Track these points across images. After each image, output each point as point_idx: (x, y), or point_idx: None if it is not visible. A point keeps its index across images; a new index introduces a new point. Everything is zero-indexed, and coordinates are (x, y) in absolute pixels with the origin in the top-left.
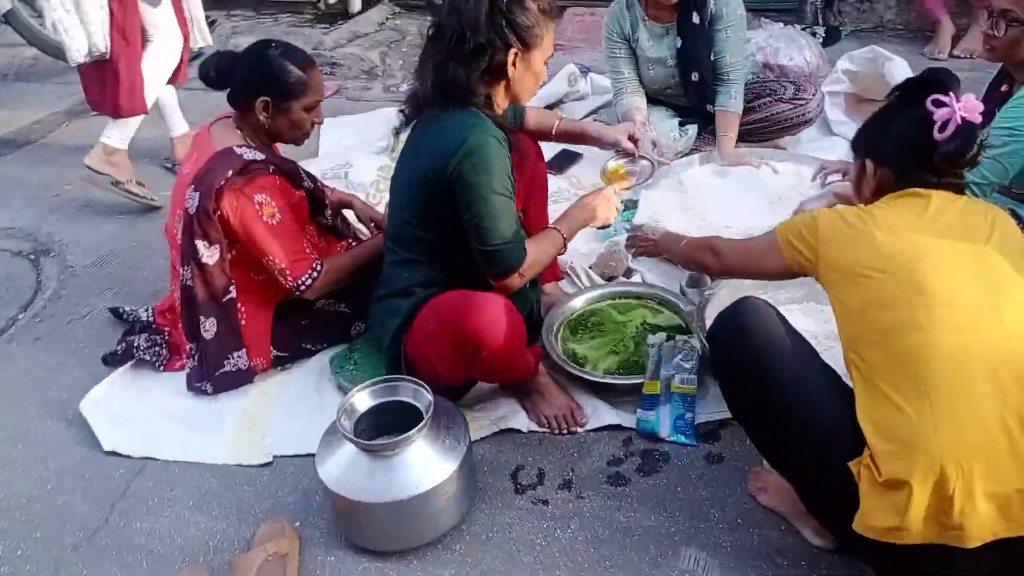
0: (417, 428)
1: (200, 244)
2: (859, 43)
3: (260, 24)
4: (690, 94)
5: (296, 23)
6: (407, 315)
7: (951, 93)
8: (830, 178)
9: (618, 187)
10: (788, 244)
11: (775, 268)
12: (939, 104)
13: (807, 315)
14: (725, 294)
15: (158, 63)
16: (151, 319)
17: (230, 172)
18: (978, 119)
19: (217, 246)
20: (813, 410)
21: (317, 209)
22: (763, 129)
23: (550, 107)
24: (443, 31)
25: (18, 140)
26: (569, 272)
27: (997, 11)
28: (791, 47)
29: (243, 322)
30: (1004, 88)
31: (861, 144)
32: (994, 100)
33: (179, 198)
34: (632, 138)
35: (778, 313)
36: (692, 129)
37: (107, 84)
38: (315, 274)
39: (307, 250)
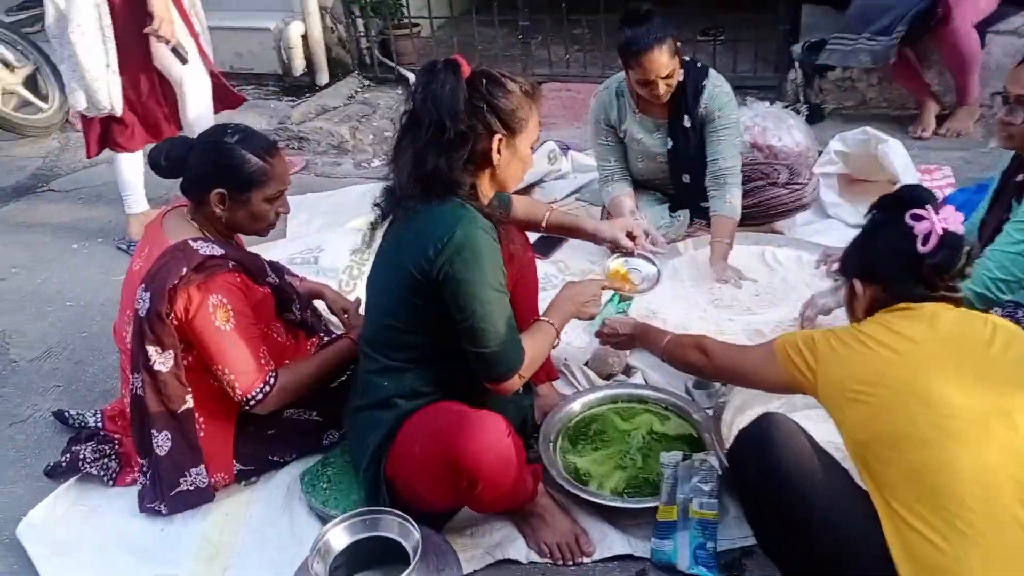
0: (405, 574)
1: (152, 350)
2: (842, 121)
3: None
4: (681, 193)
5: (262, 95)
6: (389, 431)
7: (928, 206)
8: (835, 266)
9: (619, 290)
10: (787, 359)
11: (771, 380)
12: (918, 218)
13: (828, 421)
14: (740, 400)
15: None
16: (99, 424)
17: (184, 269)
18: (960, 229)
19: (171, 352)
20: (847, 539)
21: (284, 305)
22: (758, 214)
23: (530, 187)
24: (419, 119)
25: None
26: (564, 370)
27: (1013, 97)
28: (779, 127)
29: (201, 434)
30: (1020, 178)
31: (847, 265)
32: (1010, 190)
33: (129, 296)
34: (631, 235)
35: (803, 430)
36: (684, 215)
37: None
38: (267, 388)
39: (262, 360)
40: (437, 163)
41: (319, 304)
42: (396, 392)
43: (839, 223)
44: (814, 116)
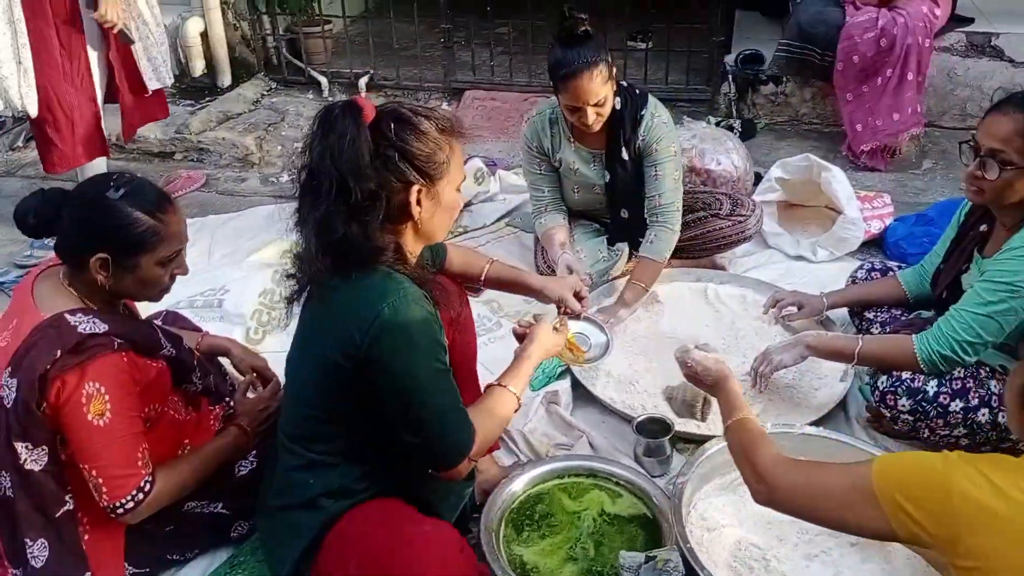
0: None
1: (21, 448)
2: (774, 137)
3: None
4: (619, 227)
5: None
6: (313, 538)
7: None
8: (784, 311)
9: (566, 360)
10: (895, 506)
11: (868, 527)
12: None
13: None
14: (699, 474)
15: None
16: None
17: (59, 352)
18: None
19: (44, 448)
20: None
21: (182, 376)
22: (699, 247)
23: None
24: (318, 180)
25: None
26: (503, 437)
27: (985, 150)
28: (718, 149)
29: (86, 537)
30: (984, 228)
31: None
32: (970, 241)
33: None
34: (578, 296)
35: None
36: (623, 249)
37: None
38: (139, 496)
39: (139, 463)
40: (348, 230)
41: (224, 361)
42: (322, 490)
43: (780, 254)
44: (747, 132)
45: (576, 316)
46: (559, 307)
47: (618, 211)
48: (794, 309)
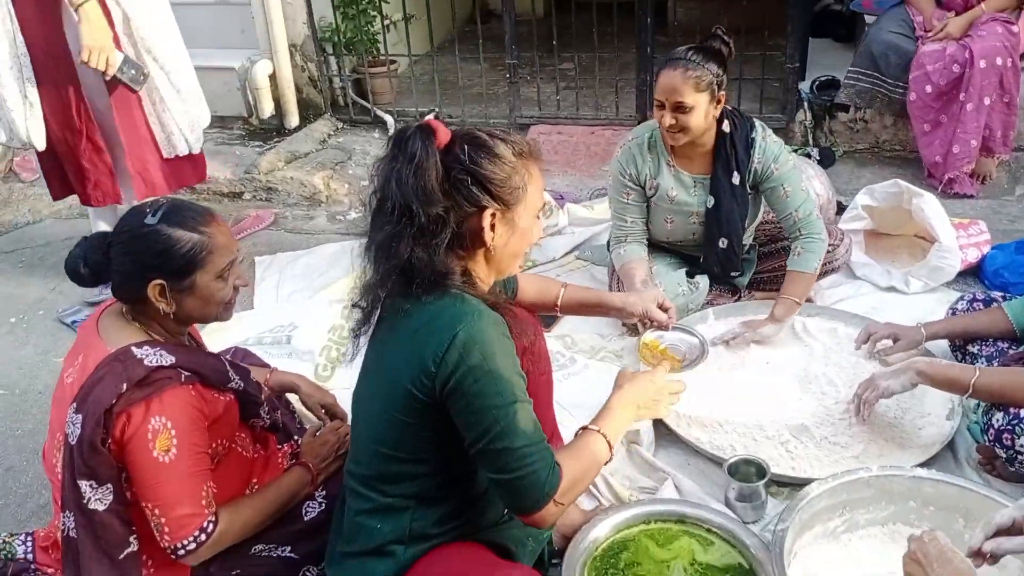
0: None
1: (85, 486)
2: (854, 164)
3: None
4: (711, 259)
5: (226, 140)
6: None
7: None
8: (880, 345)
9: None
10: None
11: None
12: None
13: (895, 540)
14: (799, 523)
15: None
16: (30, 556)
17: (124, 386)
18: None
19: (109, 486)
20: None
21: (250, 410)
22: (783, 277)
23: None
24: (384, 203)
25: None
26: None
27: None
28: None
29: None
30: None
31: None
32: None
33: (59, 415)
34: (662, 307)
35: None
36: (703, 282)
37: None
38: (202, 537)
39: (203, 502)
40: (411, 254)
41: (292, 398)
42: (393, 536)
43: (869, 285)
44: (825, 160)
45: (664, 328)
46: (644, 322)
47: (715, 241)
48: (890, 342)
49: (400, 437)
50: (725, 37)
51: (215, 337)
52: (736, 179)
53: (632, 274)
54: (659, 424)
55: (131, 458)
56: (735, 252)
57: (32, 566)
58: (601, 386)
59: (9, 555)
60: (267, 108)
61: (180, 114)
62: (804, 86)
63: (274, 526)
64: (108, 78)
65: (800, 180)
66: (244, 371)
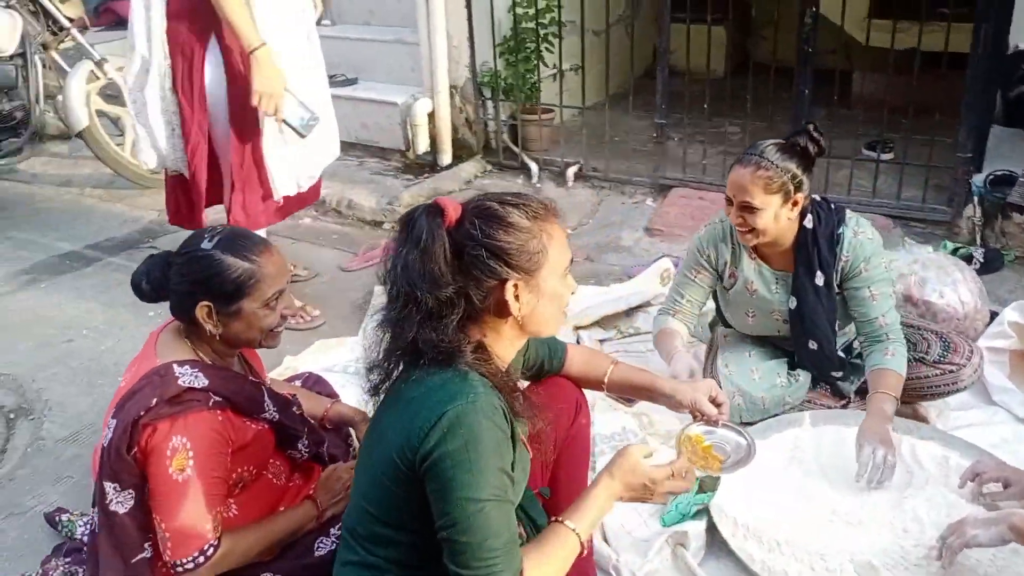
0: None
1: (109, 487)
2: None
3: (345, 167)
4: (804, 361)
5: (381, 170)
6: None
7: None
8: (986, 488)
9: (700, 468)
10: None
11: None
12: None
13: None
14: None
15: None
16: (85, 539)
17: (155, 400)
18: None
19: (131, 492)
20: None
21: (288, 440)
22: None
23: (634, 310)
24: (391, 287)
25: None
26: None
27: None
28: (943, 280)
29: None
30: None
31: None
32: None
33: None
34: (715, 401)
35: None
36: (804, 377)
37: None
38: (201, 559)
39: (208, 524)
40: (417, 335)
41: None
42: None
43: (1006, 414)
44: (992, 263)
45: (713, 424)
46: (693, 415)
47: (804, 342)
48: (999, 487)
49: (385, 501)
50: (814, 133)
51: (317, 357)
52: (820, 279)
53: (668, 346)
54: (713, 529)
55: (150, 471)
56: (826, 356)
57: (84, 548)
58: None
59: (69, 533)
60: (423, 144)
61: (300, 159)
62: (978, 178)
63: (285, 556)
64: (278, 123)
65: (890, 289)
66: (284, 401)
